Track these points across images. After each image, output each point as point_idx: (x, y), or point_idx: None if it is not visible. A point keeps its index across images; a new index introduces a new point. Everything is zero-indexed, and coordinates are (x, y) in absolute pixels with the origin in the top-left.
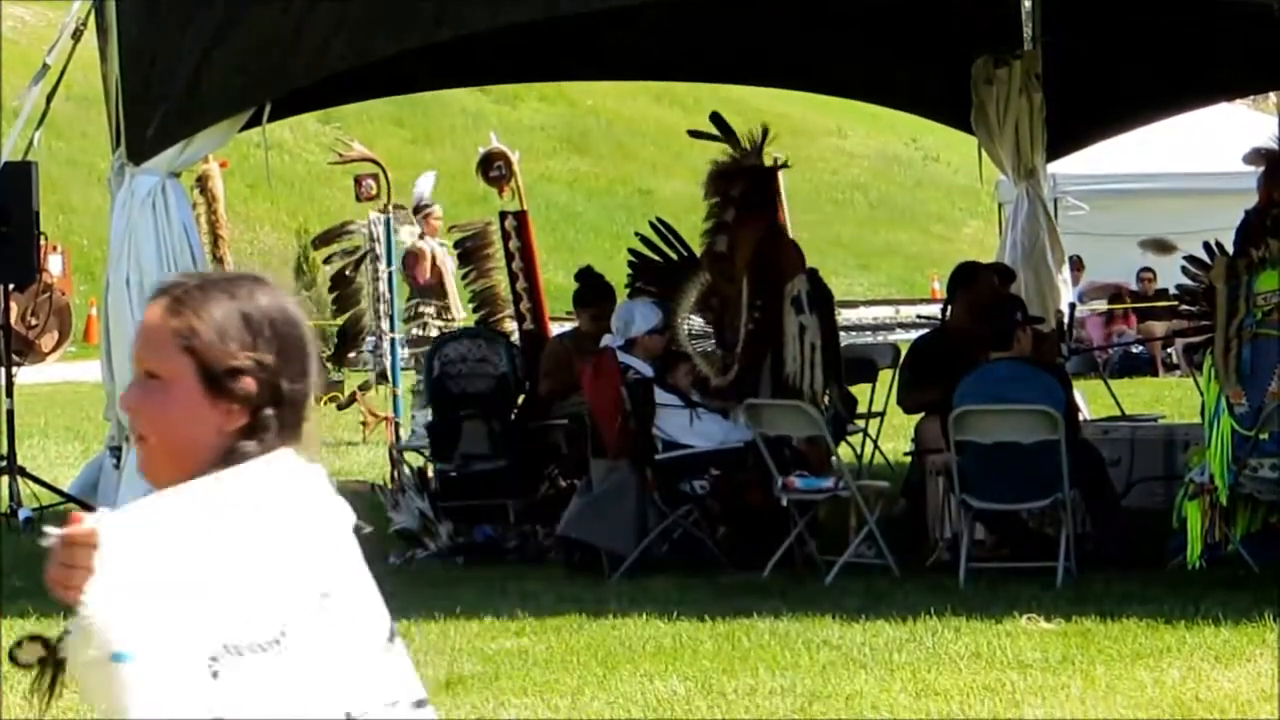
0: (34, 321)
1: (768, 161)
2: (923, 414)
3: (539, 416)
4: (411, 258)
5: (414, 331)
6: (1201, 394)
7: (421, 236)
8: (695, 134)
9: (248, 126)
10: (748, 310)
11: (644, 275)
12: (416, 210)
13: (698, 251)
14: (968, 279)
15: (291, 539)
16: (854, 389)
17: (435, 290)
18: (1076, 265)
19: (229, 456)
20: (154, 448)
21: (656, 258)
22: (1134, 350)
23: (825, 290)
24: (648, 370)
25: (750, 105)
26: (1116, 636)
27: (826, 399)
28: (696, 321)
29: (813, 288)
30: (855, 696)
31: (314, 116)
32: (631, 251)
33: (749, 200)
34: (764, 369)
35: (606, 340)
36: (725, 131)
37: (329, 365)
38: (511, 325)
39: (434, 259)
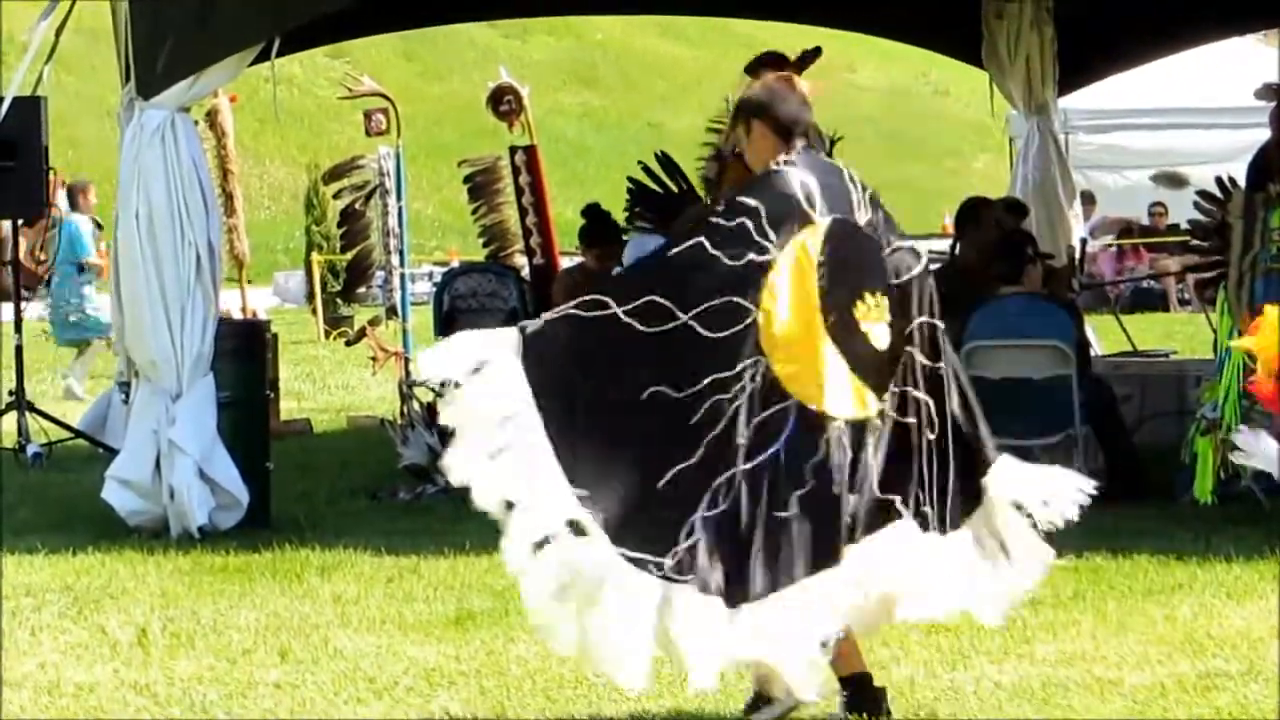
0: (43, 256)
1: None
2: None
3: None
4: None
5: None
6: (1214, 329)
7: None
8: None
9: (257, 61)
10: None
11: (643, 204)
12: None
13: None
14: (973, 216)
15: None
16: None
17: None
18: (1088, 200)
19: None
20: None
21: (657, 188)
22: (1145, 285)
23: None
24: None
25: (759, 40)
26: (1128, 572)
27: None
28: None
29: None
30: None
31: (323, 51)
32: (631, 180)
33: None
34: None
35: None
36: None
37: (338, 300)
38: (521, 260)
39: None
